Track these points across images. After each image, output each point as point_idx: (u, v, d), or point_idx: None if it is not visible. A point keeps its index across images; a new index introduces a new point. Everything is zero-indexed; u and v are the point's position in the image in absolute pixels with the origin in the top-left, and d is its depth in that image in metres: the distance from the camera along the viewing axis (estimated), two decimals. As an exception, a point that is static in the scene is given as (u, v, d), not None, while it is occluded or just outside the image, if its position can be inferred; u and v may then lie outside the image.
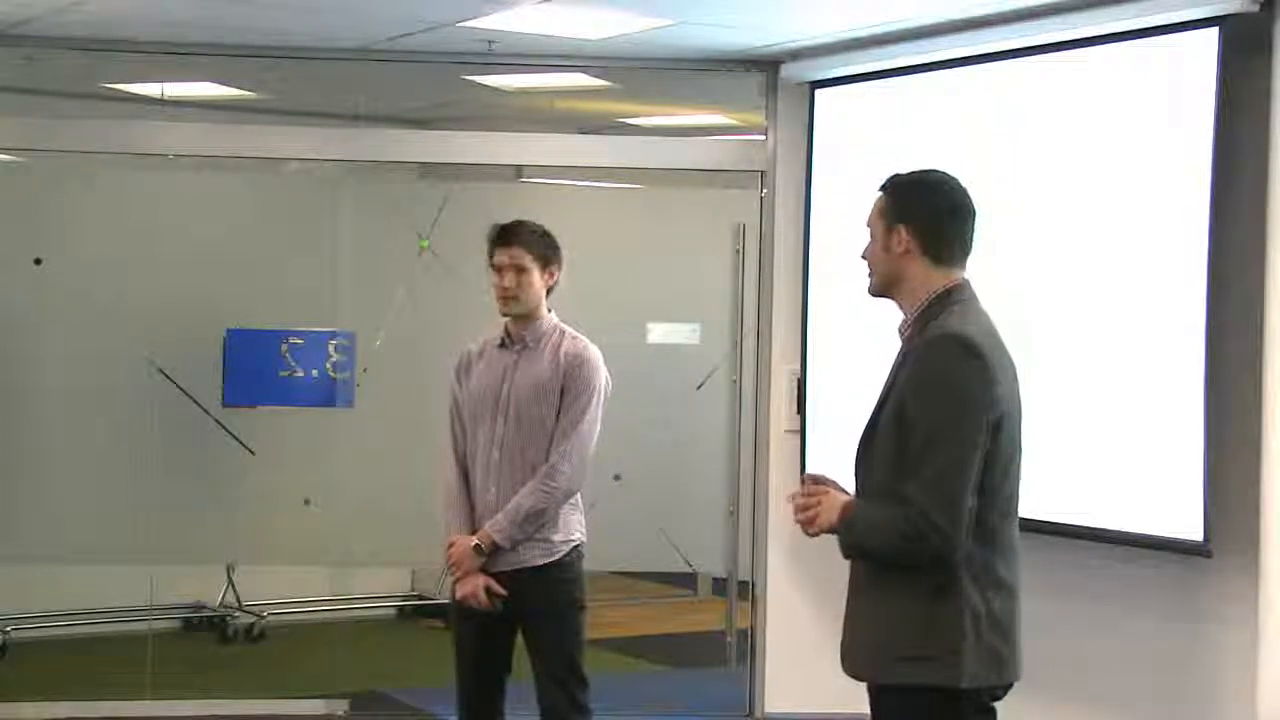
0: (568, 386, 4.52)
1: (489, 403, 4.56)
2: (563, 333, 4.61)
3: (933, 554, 3.20)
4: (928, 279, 3.36)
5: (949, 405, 3.20)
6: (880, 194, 3.44)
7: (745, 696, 6.68)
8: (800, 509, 3.40)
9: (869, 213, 3.45)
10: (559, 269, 4.62)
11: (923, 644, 3.26)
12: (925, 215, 3.37)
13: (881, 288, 3.43)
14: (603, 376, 4.58)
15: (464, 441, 4.63)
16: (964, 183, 3.45)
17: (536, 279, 4.56)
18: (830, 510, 3.34)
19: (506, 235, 4.57)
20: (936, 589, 3.25)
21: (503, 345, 4.62)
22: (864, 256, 3.45)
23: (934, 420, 3.20)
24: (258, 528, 6.78)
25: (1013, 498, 3.35)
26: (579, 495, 4.61)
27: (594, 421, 4.54)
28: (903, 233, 3.35)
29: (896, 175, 3.46)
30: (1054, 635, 5.31)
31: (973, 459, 3.20)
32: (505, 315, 4.59)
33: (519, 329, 4.59)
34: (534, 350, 4.57)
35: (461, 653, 4.67)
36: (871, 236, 3.43)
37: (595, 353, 4.60)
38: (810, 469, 5.79)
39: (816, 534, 3.40)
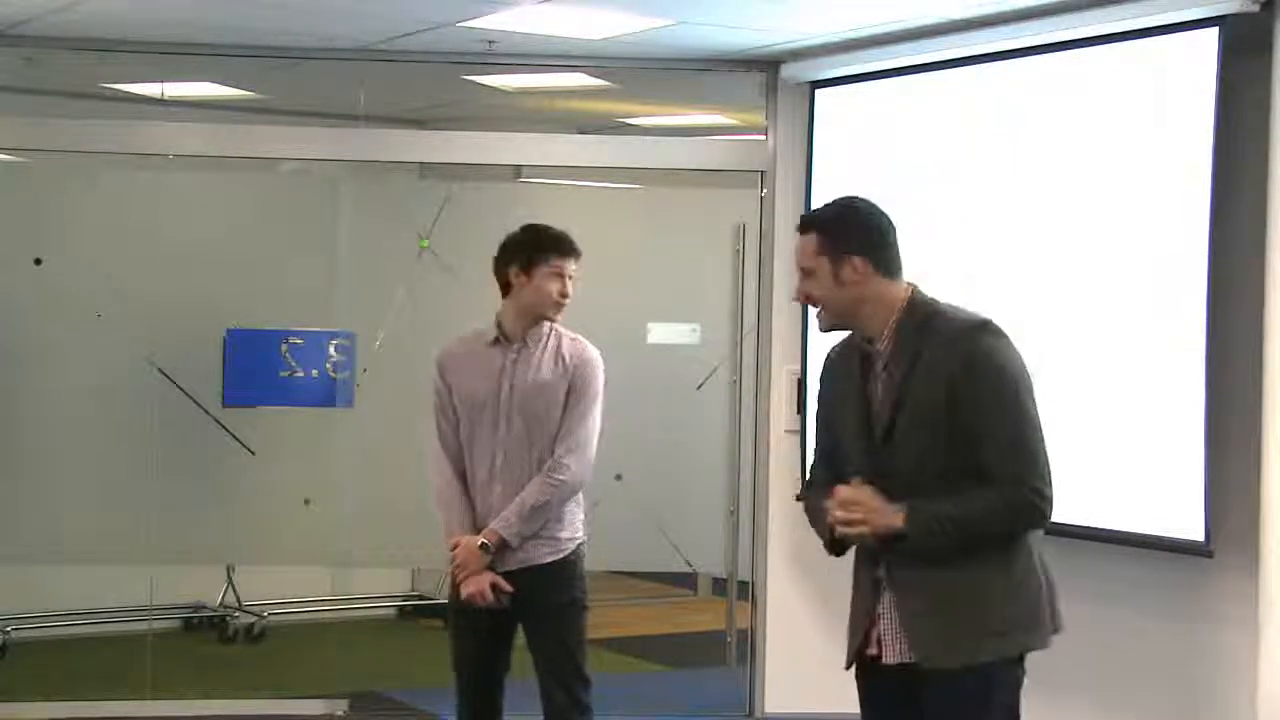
0: (574, 386, 4.51)
1: (489, 405, 4.53)
2: (559, 334, 4.60)
3: (1041, 521, 3.41)
4: (887, 294, 3.46)
5: (1014, 383, 3.39)
6: (809, 235, 3.49)
7: (745, 696, 6.67)
8: (843, 523, 3.40)
9: (800, 255, 3.50)
10: None
11: (1011, 614, 3.39)
12: (869, 241, 3.46)
13: (838, 319, 3.51)
14: (603, 375, 4.59)
15: (454, 438, 4.60)
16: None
17: None
18: (880, 515, 3.37)
19: (573, 246, 4.56)
20: (1010, 558, 3.41)
21: (496, 343, 4.59)
22: (808, 296, 3.50)
23: (1006, 399, 3.37)
24: (258, 528, 6.78)
25: None
26: (581, 493, 4.61)
27: (597, 419, 4.55)
28: (856, 263, 3.44)
29: (816, 212, 3.58)
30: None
31: (1042, 427, 3.40)
32: (552, 320, 4.57)
33: (523, 329, 4.56)
34: (533, 351, 4.55)
35: (461, 652, 4.65)
36: (812, 276, 3.48)
37: (595, 352, 4.60)
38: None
39: (869, 538, 3.42)
